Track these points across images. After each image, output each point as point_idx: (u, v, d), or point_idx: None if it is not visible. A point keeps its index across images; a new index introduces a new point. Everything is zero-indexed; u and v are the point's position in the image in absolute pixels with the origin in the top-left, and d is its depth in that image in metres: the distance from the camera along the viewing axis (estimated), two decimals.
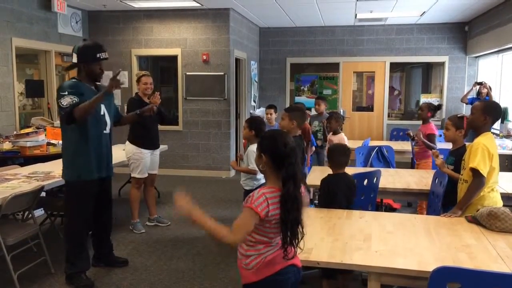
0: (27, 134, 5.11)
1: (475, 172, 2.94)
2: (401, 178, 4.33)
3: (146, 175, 4.90)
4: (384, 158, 5.50)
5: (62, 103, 3.30)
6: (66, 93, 3.32)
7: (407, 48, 9.29)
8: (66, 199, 3.55)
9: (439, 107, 5.52)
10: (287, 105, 9.43)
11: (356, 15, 8.12)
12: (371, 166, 5.31)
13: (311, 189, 4.86)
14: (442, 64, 9.27)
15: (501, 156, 4.02)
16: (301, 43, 9.67)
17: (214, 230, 1.85)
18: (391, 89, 9.83)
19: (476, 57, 8.92)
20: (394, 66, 9.67)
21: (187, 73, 7.82)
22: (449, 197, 3.34)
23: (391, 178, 4.28)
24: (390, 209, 5.44)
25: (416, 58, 9.34)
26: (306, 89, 10.05)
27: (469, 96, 8.03)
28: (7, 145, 5.10)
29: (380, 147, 5.57)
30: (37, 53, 6.94)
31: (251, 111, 8.89)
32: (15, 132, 5.51)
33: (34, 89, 6.78)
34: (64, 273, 3.61)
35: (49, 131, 5.48)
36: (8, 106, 6.01)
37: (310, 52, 9.66)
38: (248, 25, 8.86)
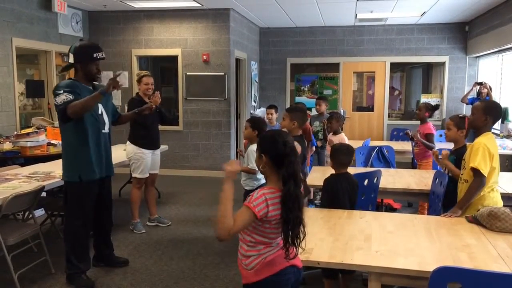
0: (28, 134, 5.11)
1: (476, 172, 2.94)
2: (401, 178, 4.33)
3: (147, 175, 4.90)
4: (385, 158, 5.50)
5: (57, 101, 3.30)
6: (61, 91, 3.32)
7: (407, 48, 9.30)
8: (66, 200, 3.55)
9: (436, 107, 5.63)
10: (288, 105, 9.44)
11: (356, 15, 8.12)
12: (372, 166, 5.31)
13: (312, 189, 4.87)
14: (442, 64, 9.27)
15: (502, 156, 4.03)
16: (301, 43, 9.67)
17: (228, 217, 1.85)
18: (392, 89, 9.83)
19: (477, 57, 8.92)
20: (394, 66, 9.67)
21: (188, 73, 7.82)
22: (450, 197, 3.34)
23: (392, 178, 4.28)
24: (390, 209, 5.44)
25: (417, 58, 9.34)
26: (306, 89, 10.05)
27: (469, 96, 8.03)
28: (7, 145, 5.10)
29: (380, 147, 5.57)
30: (37, 53, 6.95)
31: (251, 111, 8.89)
32: (15, 132, 5.52)
33: (35, 89, 6.78)
34: (65, 273, 3.61)
35: (49, 131, 5.48)
36: (9, 106, 6.01)
37: (311, 52, 9.66)
38: (249, 25, 8.87)
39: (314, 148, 5.91)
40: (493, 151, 2.98)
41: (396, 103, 10.13)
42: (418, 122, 5.37)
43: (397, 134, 8.28)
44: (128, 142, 4.86)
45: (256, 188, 3.81)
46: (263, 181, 3.88)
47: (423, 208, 4.89)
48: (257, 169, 3.78)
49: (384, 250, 2.40)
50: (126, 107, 5.34)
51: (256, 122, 3.87)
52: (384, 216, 3.17)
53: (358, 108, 10.03)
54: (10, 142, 5.17)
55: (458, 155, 3.41)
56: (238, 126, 8.54)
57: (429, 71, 9.92)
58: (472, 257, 2.30)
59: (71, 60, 3.49)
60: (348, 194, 3.25)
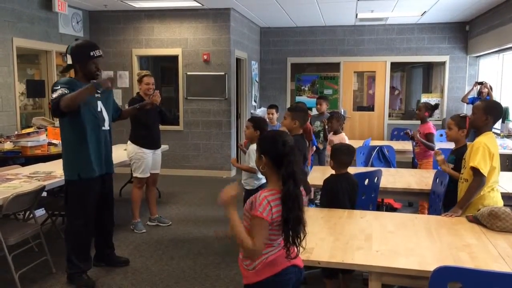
0: (28, 134, 5.11)
1: (476, 171, 2.94)
2: (401, 178, 4.33)
3: (148, 174, 4.90)
4: (385, 158, 5.50)
5: (53, 96, 3.28)
6: (59, 87, 3.30)
7: (407, 48, 9.29)
8: (67, 199, 3.55)
9: (436, 106, 5.66)
10: (288, 105, 9.44)
11: (357, 15, 8.12)
12: (372, 166, 5.31)
13: (312, 189, 4.86)
14: (442, 63, 9.27)
15: (502, 156, 4.02)
16: (301, 43, 9.67)
17: (245, 239, 1.87)
18: (392, 89, 9.82)
19: (477, 56, 8.91)
20: (394, 66, 9.67)
21: (188, 73, 7.82)
22: (450, 197, 3.34)
23: (392, 178, 4.28)
24: (391, 209, 5.45)
25: (417, 57, 9.33)
26: (306, 89, 10.05)
27: (469, 96, 8.03)
28: (8, 145, 5.10)
29: (381, 147, 5.57)
30: (38, 53, 6.95)
31: (251, 111, 8.89)
32: (16, 132, 5.52)
33: (35, 89, 6.79)
34: (65, 272, 3.61)
35: (50, 131, 5.49)
36: (9, 106, 6.01)
37: (311, 52, 9.66)
38: (249, 25, 8.86)
39: (314, 148, 5.91)
40: (494, 151, 2.98)
41: (396, 103, 10.13)
42: (419, 122, 5.38)
43: (398, 134, 8.28)
44: (129, 142, 4.86)
45: (257, 188, 3.85)
46: (263, 180, 3.89)
47: (423, 207, 4.89)
48: (251, 164, 3.80)
49: (385, 250, 2.40)
50: (126, 107, 5.33)
51: (258, 122, 3.89)
52: (385, 215, 3.18)
53: (359, 107, 10.03)
54: (10, 142, 5.17)
55: (458, 155, 3.41)
56: (239, 126, 8.54)
57: (430, 70, 9.92)
58: (472, 256, 2.30)
59: (69, 61, 3.49)
60: (348, 194, 3.25)
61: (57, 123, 5.87)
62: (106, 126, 3.64)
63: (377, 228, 2.79)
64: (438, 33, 9.12)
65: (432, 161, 5.03)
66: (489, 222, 2.72)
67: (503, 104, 6.83)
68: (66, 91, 3.26)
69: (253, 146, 3.79)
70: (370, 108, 9.84)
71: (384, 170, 4.26)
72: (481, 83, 7.68)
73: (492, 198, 3.02)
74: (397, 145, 6.58)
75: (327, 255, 2.33)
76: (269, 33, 9.79)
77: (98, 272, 3.81)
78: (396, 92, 10.06)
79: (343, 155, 3.37)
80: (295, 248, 1.96)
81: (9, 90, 6.02)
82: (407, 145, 6.43)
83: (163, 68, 9.33)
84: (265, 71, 9.91)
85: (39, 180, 3.90)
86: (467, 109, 8.43)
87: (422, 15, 8.09)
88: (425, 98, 9.35)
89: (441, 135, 6.87)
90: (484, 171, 2.92)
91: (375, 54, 9.42)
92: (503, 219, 2.67)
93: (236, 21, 7.96)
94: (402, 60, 9.46)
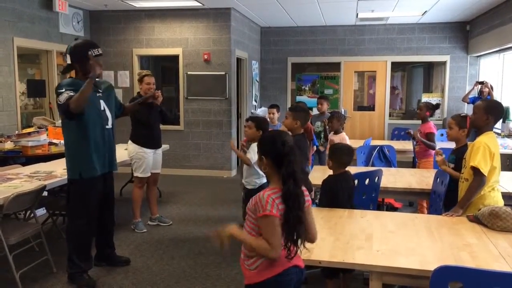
0: (29, 133, 5.12)
1: (476, 171, 2.94)
2: (402, 177, 4.33)
3: (149, 174, 4.91)
4: (386, 158, 5.50)
5: (60, 100, 3.29)
6: (63, 89, 3.32)
7: (408, 47, 9.29)
8: (69, 198, 3.55)
9: (437, 106, 5.68)
10: (289, 104, 9.45)
11: (357, 14, 8.12)
12: (373, 165, 5.31)
13: (313, 189, 4.87)
14: (443, 63, 9.27)
15: (503, 156, 4.03)
16: (302, 42, 9.67)
17: (261, 245, 1.88)
18: (393, 88, 9.82)
19: (478, 56, 8.91)
20: (395, 66, 9.67)
21: (188, 73, 7.82)
22: (451, 196, 3.34)
23: (393, 178, 4.28)
24: (391, 208, 5.45)
25: (418, 57, 9.33)
26: (307, 88, 10.05)
27: (470, 96, 8.03)
28: (9, 145, 5.11)
29: (381, 147, 5.57)
30: (38, 53, 6.95)
31: (252, 111, 8.89)
32: (17, 132, 5.52)
33: (36, 89, 6.79)
34: (66, 272, 3.61)
35: (50, 131, 5.49)
36: (10, 106, 6.02)
37: (311, 52, 9.66)
38: (249, 24, 8.86)
39: (315, 148, 5.91)
40: (494, 150, 2.98)
41: (397, 103, 10.12)
42: (419, 122, 5.39)
43: (398, 134, 8.28)
44: (129, 142, 4.87)
45: (258, 187, 3.86)
46: (264, 179, 3.89)
47: (422, 207, 4.89)
48: (251, 161, 3.84)
49: (385, 250, 2.40)
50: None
51: (261, 123, 3.92)
52: (385, 215, 3.18)
53: (359, 107, 10.03)
54: (11, 141, 5.17)
55: (459, 154, 3.41)
56: (239, 126, 8.54)
57: (430, 70, 9.91)
58: (473, 256, 2.30)
59: (69, 61, 3.50)
60: (348, 194, 3.25)
61: (58, 122, 5.89)
62: (109, 125, 3.65)
63: (378, 227, 2.79)
64: (439, 33, 9.12)
65: (432, 160, 5.03)
66: (490, 221, 2.72)
67: (504, 104, 6.81)
68: (72, 94, 3.29)
69: (255, 145, 3.80)
70: (371, 108, 9.84)
71: (385, 170, 4.26)
72: (481, 83, 7.67)
73: (493, 198, 3.02)
74: (398, 144, 6.57)
75: (327, 255, 2.33)
76: (269, 32, 9.79)
77: (99, 272, 3.82)
78: (397, 91, 10.05)
79: (343, 155, 3.36)
80: (296, 248, 1.96)
81: (10, 90, 6.02)
82: (408, 145, 6.43)
83: (164, 68, 9.34)
84: (265, 70, 9.91)
85: (39, 180, 3.91)
86: (467, 109, 8.42)
87: (422, 15, 8.09)
88: (425, 98, 9.34)
89: (442, 134, 6.86)
90: (484, 170, 2.92)
91: (375, 53, 9.41)
92: (504, 219, 2.67)
93: (237, 20, 7.96)
94: (403, 60, 9.46)
